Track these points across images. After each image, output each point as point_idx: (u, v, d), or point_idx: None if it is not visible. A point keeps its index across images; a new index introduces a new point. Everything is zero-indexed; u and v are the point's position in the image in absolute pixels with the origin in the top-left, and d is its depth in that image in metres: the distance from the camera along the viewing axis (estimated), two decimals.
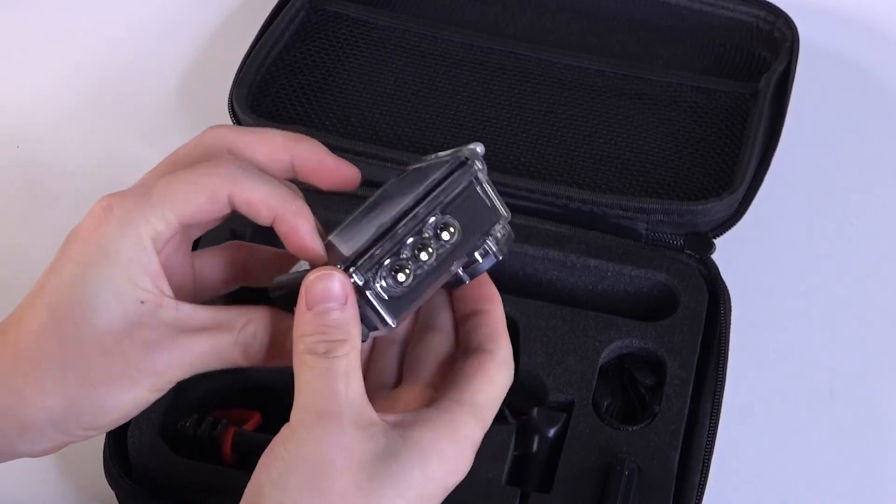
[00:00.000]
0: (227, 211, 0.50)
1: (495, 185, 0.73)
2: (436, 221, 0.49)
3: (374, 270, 0.48)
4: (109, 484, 0.63)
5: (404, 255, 0.48)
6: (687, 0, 0.86)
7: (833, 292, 0.77)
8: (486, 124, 0.79)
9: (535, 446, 0.64)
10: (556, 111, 0.80)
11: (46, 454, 0.52)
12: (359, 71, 0.83)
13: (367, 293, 0.48)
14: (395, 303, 0.49)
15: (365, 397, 0.48)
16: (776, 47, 0.83)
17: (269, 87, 0.81)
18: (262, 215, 0.50)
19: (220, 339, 0.50)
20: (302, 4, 0.85)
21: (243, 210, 0.50)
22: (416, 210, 0.49)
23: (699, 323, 0.68)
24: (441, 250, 0.49)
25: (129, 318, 0.49)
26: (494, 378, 0.51)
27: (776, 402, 0.71)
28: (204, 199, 0.49)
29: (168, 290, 0.50)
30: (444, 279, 0.50)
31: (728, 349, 0.68)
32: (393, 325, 0.49)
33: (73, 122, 0.87)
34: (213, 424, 0.64)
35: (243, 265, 0.55)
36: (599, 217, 0.72)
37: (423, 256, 0.49)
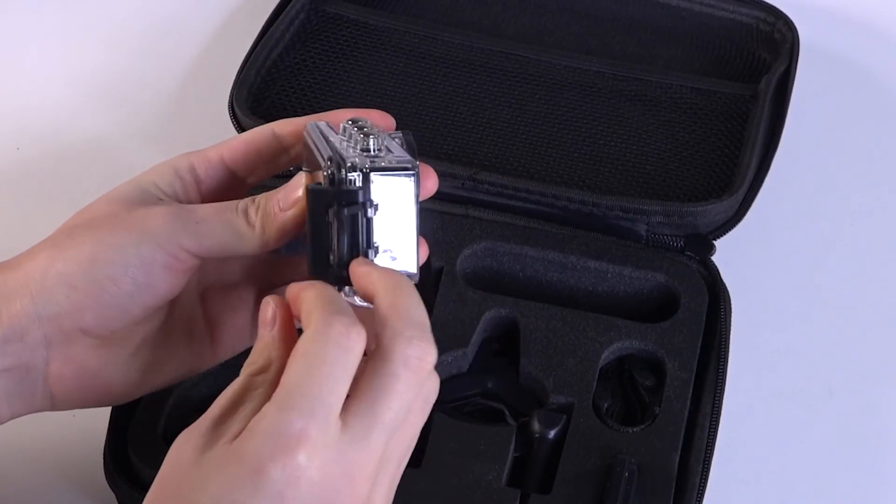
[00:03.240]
0: None
1: (496, 185, 0.73)
2: None
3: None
4: (110, 486, 0.63)
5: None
6: (687, 1, 0.86)
7: (833, 293, 0.77)
8: (486, 126, 0.79)
9: (535, 448, 0.64)
10: (556, 112, 0.80)
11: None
12: (359, 72, 0.83)
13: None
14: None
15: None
16: (776, 49, 0.83)
17: (269, 89, 0.81)
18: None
19: (213, 207, 0.53)
20: (302, 6, 0.85)
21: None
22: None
23: (699, 324, 0.68)
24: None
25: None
26: (299, 353, 0.46)
27: (776, 403, 0.71)
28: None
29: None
30: None
31: (728, 350, 0.67)
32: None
33: (74, 123, 0.87)
34: None
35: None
36: (599, 218, 0.72)
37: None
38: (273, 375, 0.47)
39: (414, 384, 0.46)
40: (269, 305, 0.49)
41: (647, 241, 0.72)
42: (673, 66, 0.84)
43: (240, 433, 0.45)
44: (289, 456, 0.44)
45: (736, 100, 0.80)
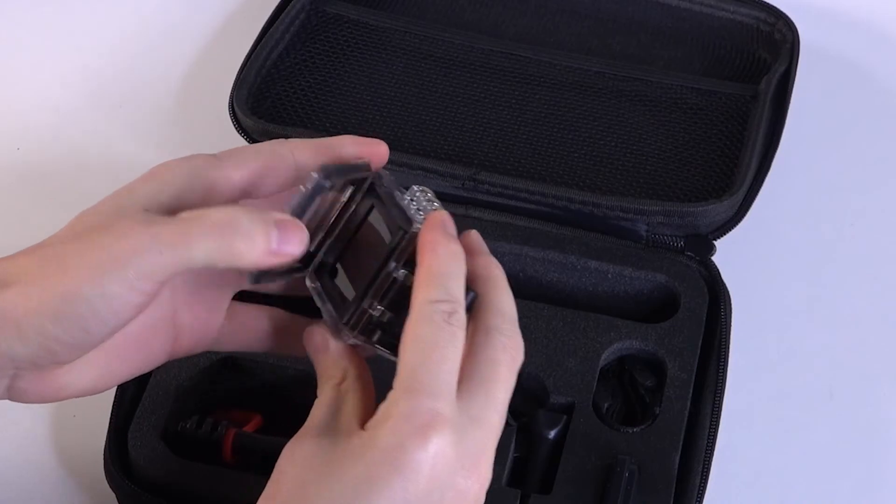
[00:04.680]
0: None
1: (496, 186, 0.73)
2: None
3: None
4: (109, 485, 0.63)
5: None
6: (687, 2, 0.86)
7: (833, 294, 0.77)
8: (487, 126, 0.79)
9: (535, 448, 0.64)
10: (556, 113, 0.80)
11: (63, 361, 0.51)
12: (359, 73, 0.83)
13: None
14: None
15: (351, 418, 0.49)
16: (776, 49, 0.83)
17: (269, 89, 0.81)
18: None
19: (188, 224, 0.49)
20: (302, 6, 0.85)
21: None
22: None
23: (699, 324, 0.68)
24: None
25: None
26: (409, 338, 0.47)
27: (777, 404, 0.71)
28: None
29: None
30: None
31: (728, 351, 0.68)
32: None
33: (74, 124, 0.87)
34: (214, 426, 0.64)
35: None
36: (600, 219, 0.72)
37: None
38: (354, 381, 0.50)
39: (513, 372, 0.49)
40: (318, 332, 0.52)
41: (648, 242, 0.72)
42: (673, 67, 0.84)
43: (360, 427, 0.47)
44: (426, 434, 0.45)
45: (736, 100, 0.80)
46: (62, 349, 0.49)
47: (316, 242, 0.53)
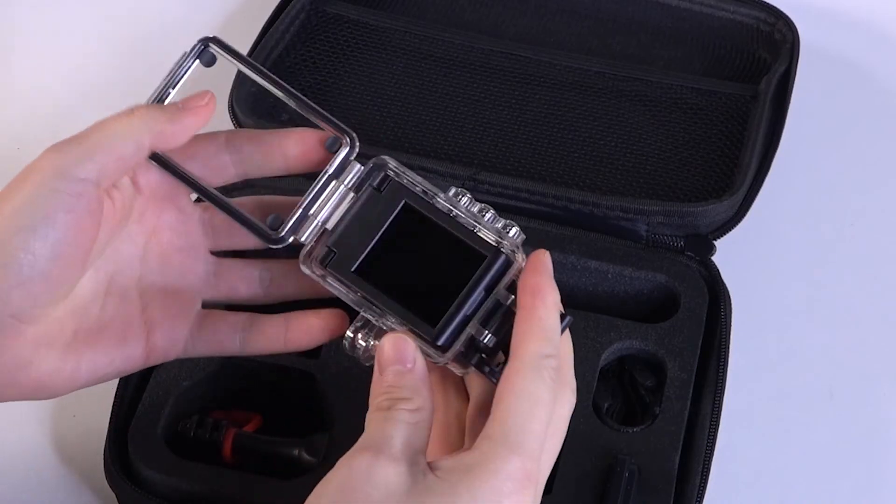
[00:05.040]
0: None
1: (496, 186, 0.73)
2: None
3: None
4: (110, 485, 0.63)
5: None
6: (687, 2, 0.86)
7: (834, 294, 0.77)
8: (486, 126, 0.79)
9: None
10: (556, 113, 0.80)
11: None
12: (359, 73, 0.83)
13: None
14: None
15: (418, 450, 0.49)
16: (776, 49, 0.83)
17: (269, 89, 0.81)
18: None
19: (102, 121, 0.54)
20: (303, 6, 0.85)
21: None
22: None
23: (699, 324, 0.68)
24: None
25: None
26: (518, 390, 0.48)
27: (777, 404, 0.71)
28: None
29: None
30: None
31: (728, 351, 0.67)
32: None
33: (74, 123, 0.85)
34: (214, 426, 0.64)
35: None
36: (599, 219, 0.72)
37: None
38: (428, 413, 0.49)
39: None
40: (410, 346, 0.51)
41: (648, 242, 0.72)
42: (673, 67, 0.84)
43: (425, 461, 0.48)
44: (523, 494, 0.47)
45: (736, 100, 0.80)
46: (16, 293, 0.50)
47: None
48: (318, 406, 0.65)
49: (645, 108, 0.80)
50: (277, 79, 0.56)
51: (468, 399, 0.53)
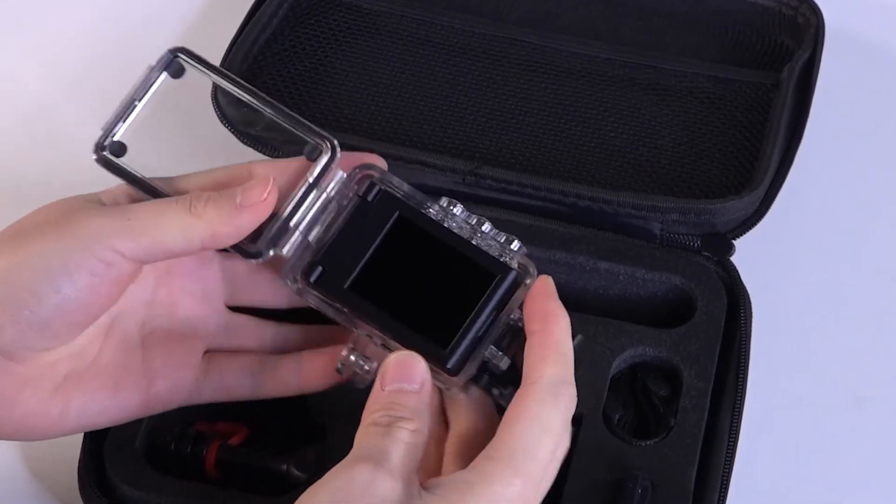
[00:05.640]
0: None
1: (499, 181, 0.73)
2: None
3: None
4: (84, 503, 0.63)
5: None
6: None
7: (860, 296, 0.77)
8: (489, 117, 0.79)
9: None
10: (563, 102, 0.80)
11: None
12: (352, 60, 0.83)
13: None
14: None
15: (413, 471, 0.49)
16: (800, 34, 0.83)
17: (256, 78, 0.81)
18: None
19: (155, 205, 0.53)
20: None
21: None
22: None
23: (717, 330, 0.68)
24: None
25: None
26: (533, 415, 0.49)
27: (800, 415, 0.72)
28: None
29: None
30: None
31: (748, 357, 0.68)
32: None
33: (49, 115, 0.87)
34: (196, 438, 0.64)
35: None
36: (610, 216, 0.72)
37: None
38: (427, 436, 0.50)
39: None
40: (421, 365, 0.51)
41: (662, 241, 0.72)
42: (688, 53, 0.84)
43: (431, 482, 0.49)
44: None
45: (756, 89, 0.80)
46: (8, 331, 0.50)
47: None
48: (308, 418, 0.65)
49: (658, 97, 0.80)
50: (251, 87, 0.56)
51: (446, 425, 0.54)
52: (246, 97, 0.56)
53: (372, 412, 0.50)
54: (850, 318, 0.76)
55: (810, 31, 0.82)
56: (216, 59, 0.80)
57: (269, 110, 0.56)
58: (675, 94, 0.81)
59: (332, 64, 0.83)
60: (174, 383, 0.57)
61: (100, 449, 0.64)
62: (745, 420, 0.66)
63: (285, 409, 0.66)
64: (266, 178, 0.53)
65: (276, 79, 0.81)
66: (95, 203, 0.53)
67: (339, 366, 0.55)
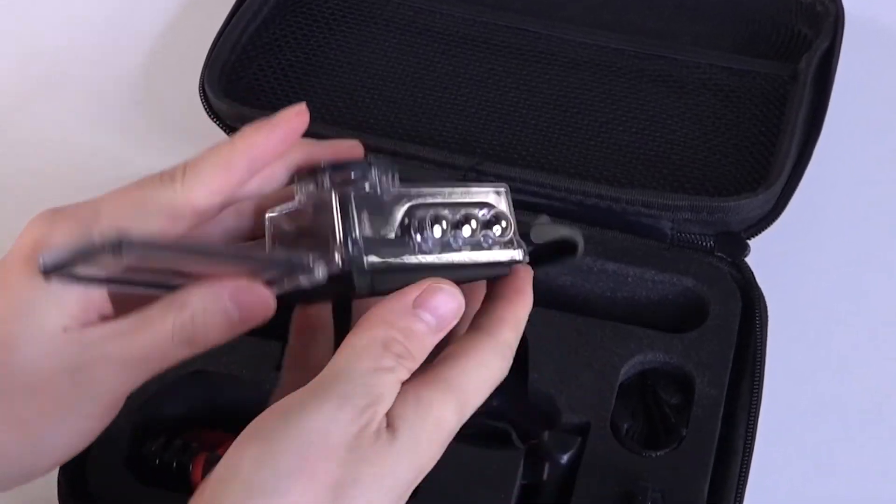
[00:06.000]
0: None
1: (502, 178, 0.73)
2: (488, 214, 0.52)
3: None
4: None
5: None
6: None
7: (881, 299, 0.77)
8: (490, 110, 0.79)
9: (545, 474, 0.64)
10: (569, 95, 0.80)
11: None
12: (346, 49, 0.83)
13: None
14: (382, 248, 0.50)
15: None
16: (818, 23, 0.83)
17: (245, 68, 0.81)
18: None
19: (153, 340, 0.50)
20: None
21: None
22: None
23: (731, 334, 0.68)
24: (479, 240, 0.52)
25: (55, 349, 0.50)
26: (490, 364, 0.51)
27: (819, 424, 0.71)
28: None
29: (100, 310, 0.51)
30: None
31: (764, 364, 0.67)
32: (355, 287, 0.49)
33: (28, 111, 0.86)
34: (183, 449, 0.64)
35: None
36: (618, 215, 0.72)
37: (466, 231, 0.51)
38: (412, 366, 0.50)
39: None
40: (458, 299, 0.50)
41: (673, 241, 0.72)
42: (701, 43, 0.84)
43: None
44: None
45: (773, 81, 0.80)
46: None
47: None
48: None
49: (669, 89, 0.81)
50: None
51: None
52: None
53: (387, 322, 0.49)
54: (871, 321, 0.76)
55: (829, 19, 0.82)
56: (203, 50, 0.80)
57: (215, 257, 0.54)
58: (687, 87, 0.81)
59: (325, 54, 0.83)
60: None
61: (81, 459, 0.63)
62: (760, 430, 0.65)
63: None
64: (260, 284, 0.51)
65: (265, 70, 0.81)
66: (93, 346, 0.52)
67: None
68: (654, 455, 0.64)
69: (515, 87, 0.81)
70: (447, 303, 0.50)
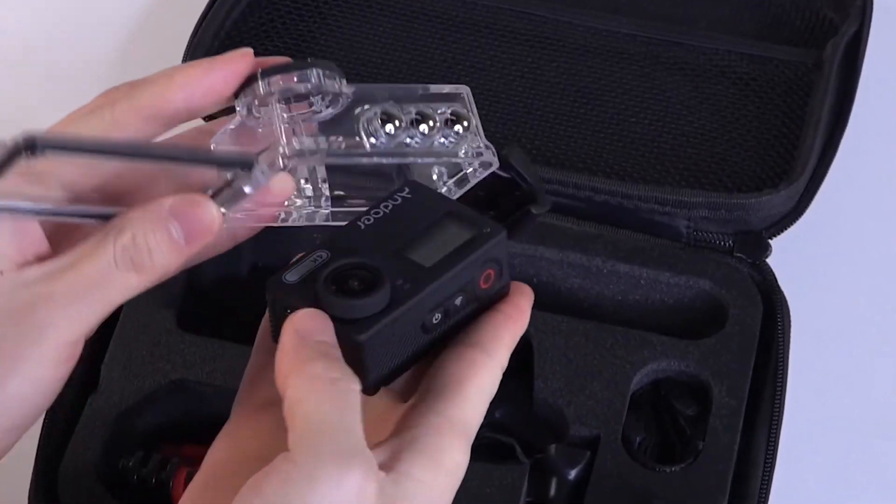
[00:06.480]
0: None
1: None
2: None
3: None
4: None
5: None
6: None
7: None
8: (494, 100, 0.79)
9: (552, 491, 0.64)
10: (577, 84, 0.80)
11: None
12: (338, 35, 0.83)
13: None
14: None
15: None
16: (845, 6, 0.83)
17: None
18: None
19: (94, 269, 0.50)
20: None
21: None
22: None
23: (752, 341, 0.68)
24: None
25: None
26: (487, 384, 0.51)
27: (845, 437, 0.72)
28: None
29: (37, 251, 0.51)
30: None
31: (787, 372, 0.68)
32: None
33: (7, 109, 0.86)
34: (162, 464, 0.64)
35: None
36: (630, 212, 0.72)
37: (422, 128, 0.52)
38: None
39: None
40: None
41: (689, 240, 0.72)
42: (719, 28, 0.84)
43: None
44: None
45: (796, 69, 0.80)
46: None
47: None
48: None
49: (685, 78, 0.81)
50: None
51: None
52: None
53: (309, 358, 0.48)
54: None
55: (857, 2, 0.82)
56: (184, 36, 0.80)
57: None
58: (703, 75, 0.81)
59: (314, 40, 0.82)
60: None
61: (53, 475, 0.64)
62: (782, 443, 0.65)
63: None
64: (206, 202, 0.52)
65: None
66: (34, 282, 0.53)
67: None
68: (668, 470, 0.64)
69: (520, 76, 0.81)
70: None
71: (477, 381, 0.50)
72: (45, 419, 0.65)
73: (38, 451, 0.65)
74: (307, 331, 0.48)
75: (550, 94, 0.80)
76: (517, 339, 0.53)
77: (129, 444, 0.65)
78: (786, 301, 0.70)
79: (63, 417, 0.66)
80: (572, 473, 0.64)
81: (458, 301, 0.50)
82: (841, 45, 0.79)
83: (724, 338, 0.68)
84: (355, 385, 0.47)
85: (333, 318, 0.48)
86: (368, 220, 0.51)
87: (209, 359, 0.67)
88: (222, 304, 0.73)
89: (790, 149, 0.76)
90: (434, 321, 0.49)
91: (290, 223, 0.53)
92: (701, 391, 0.68)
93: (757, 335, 0.69)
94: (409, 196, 0.52)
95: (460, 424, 0.49)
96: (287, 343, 0.48)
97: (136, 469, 0.64)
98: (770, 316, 0.70)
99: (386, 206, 0.51)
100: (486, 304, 0.51)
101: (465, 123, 0.53)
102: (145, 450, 0.64)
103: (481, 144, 0.53)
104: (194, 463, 0.64)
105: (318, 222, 0.53)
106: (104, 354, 0.68)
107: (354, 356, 0.48)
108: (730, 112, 0.79)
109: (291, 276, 0.50)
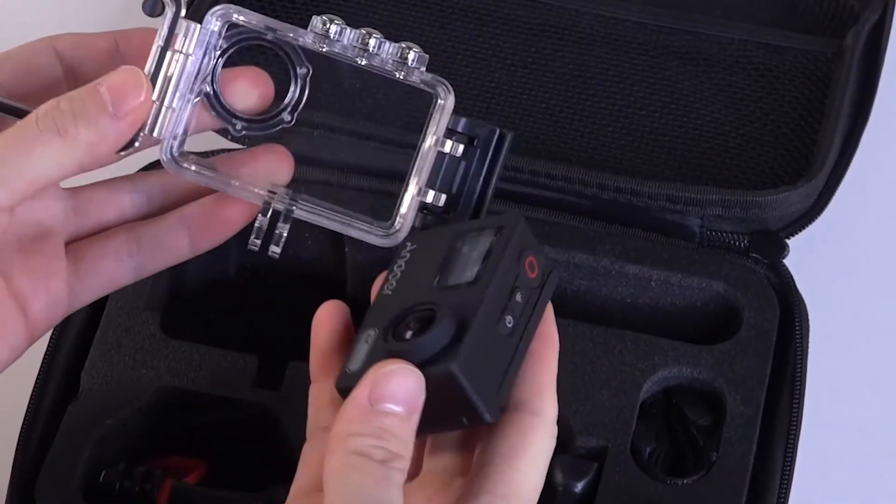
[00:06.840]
0: None
1: (508, 168, 0.73)
2: None
3: None
4: None
5: None
6: None
7: None
8: (495, 92, 0.79)
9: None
10: (584, 75, 0.80)
11: None
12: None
13: None
14: None
15: None
16: None
17: None
18: None
19: (15, 131, 0.53)
20: None
21: None
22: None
23: (768, 346, 0.68)
24: None
25: None
26: (541, 449, 0.50)
27: (865, 447, 0.72)
28: None
29: None
30: None
31: (805, 379, 0.67)
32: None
33: None
34: (146, 476, 0.64)
35: None
36: (641, 210, 0.72)
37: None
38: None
39: None
40: (415, 378, 0.49)
41: (702, 240, 0.72)
42: (734, 16, 0.84)
43: None
44: None
45: (815, 59, 0.80)
46: None
47: None
48: (278, 450, 0.65)
49: (697, 68, 0.80)
50: None
51: None
52: None
53: (354, 434, 0.48)
54: None
55: None
56: None
57: None
58: (717, 65, 0.80)
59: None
60: (49, 298, 0.57)
61: (30, 488, 0.63)
62: (800, 455, 0.65)
63: (250, 439, 0.66)
64: (132, 68, 0.55)
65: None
66: None
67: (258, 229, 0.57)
68: (680, 483, 0.65)
69: (523, 66, 0.80)
70: (404, 382, 0.48)
71: (530, 451, 0.50)
72: (21, 428, 0.65)
73: (14, 462, 0.64)
74: (379, 396, 0.48)
75: (555, 85, 0.80)
76: (555, 370, 0.52)
77: (111, 455, 0.65)
78: (804, 304, 0.70)
79: (41, 427, 0.66)
80: (579, 486, 0.64)
81: (518, 298, 0.50)
82: (862, 33, 0.79)
83: (738, 343, 0.68)
84: (400, 464, 0.48)
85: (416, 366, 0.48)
86: (391, 285, 0.52)
87: (195, 365, 0.67)
88: (208, 307, 0.72)
89: (809, 143, 0.76)
90: (509, 325, 0.50)
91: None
92: (714, 399, 0.68)
93: (773, 340, 0.69)
94: (415, 247, 0.54)
95: (514, 500, 0.49)
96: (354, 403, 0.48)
97: (119, 481, 0.64)
98: (787, 320, 0.69)
99: (399, 267, 0.53)
100: (545, 293, 0.52)
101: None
102: (128, 461, 0.64)
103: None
104: (180, 474, 0.65)
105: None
106: (84, 361, 0.68)
107: (452, 388, 0.48)
108: (745, 104, 0.79)
109: (354, 366, 0.50)
